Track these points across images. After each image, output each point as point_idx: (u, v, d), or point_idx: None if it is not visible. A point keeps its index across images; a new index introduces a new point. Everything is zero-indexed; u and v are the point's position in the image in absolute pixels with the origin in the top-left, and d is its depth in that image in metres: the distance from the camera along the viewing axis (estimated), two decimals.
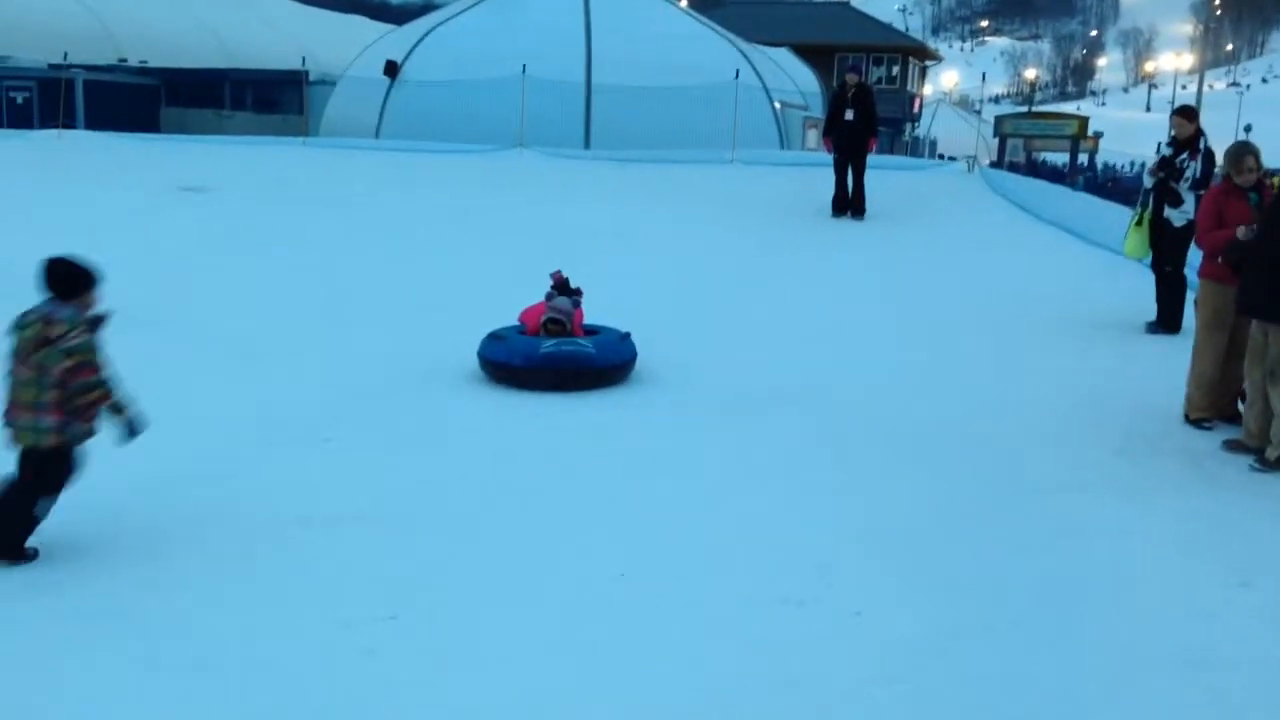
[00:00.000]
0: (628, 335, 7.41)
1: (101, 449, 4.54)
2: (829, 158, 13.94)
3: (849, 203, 13.64)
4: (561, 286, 7.83)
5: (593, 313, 7.81)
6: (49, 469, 4.35)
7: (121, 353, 4.61)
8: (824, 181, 13.99)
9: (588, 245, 11.56)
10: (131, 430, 4.45)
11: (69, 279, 4.39)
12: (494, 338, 7.23)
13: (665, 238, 12.29)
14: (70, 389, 4.26)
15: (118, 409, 4.40)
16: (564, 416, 6.59)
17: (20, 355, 4.28)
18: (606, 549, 4.78)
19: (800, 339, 8.49)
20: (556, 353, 7.01)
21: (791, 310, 9.45)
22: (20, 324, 4.31)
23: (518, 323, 7.52)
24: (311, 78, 25.83)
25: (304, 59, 25.43)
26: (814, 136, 23.09)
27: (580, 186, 15.85)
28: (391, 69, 22.87)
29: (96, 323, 4.37)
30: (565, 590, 4.40)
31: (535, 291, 7.86)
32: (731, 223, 13.24)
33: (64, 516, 4.49)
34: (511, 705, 3.58)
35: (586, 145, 21.04)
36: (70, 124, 23.26)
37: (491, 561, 4.65)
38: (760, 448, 6.12)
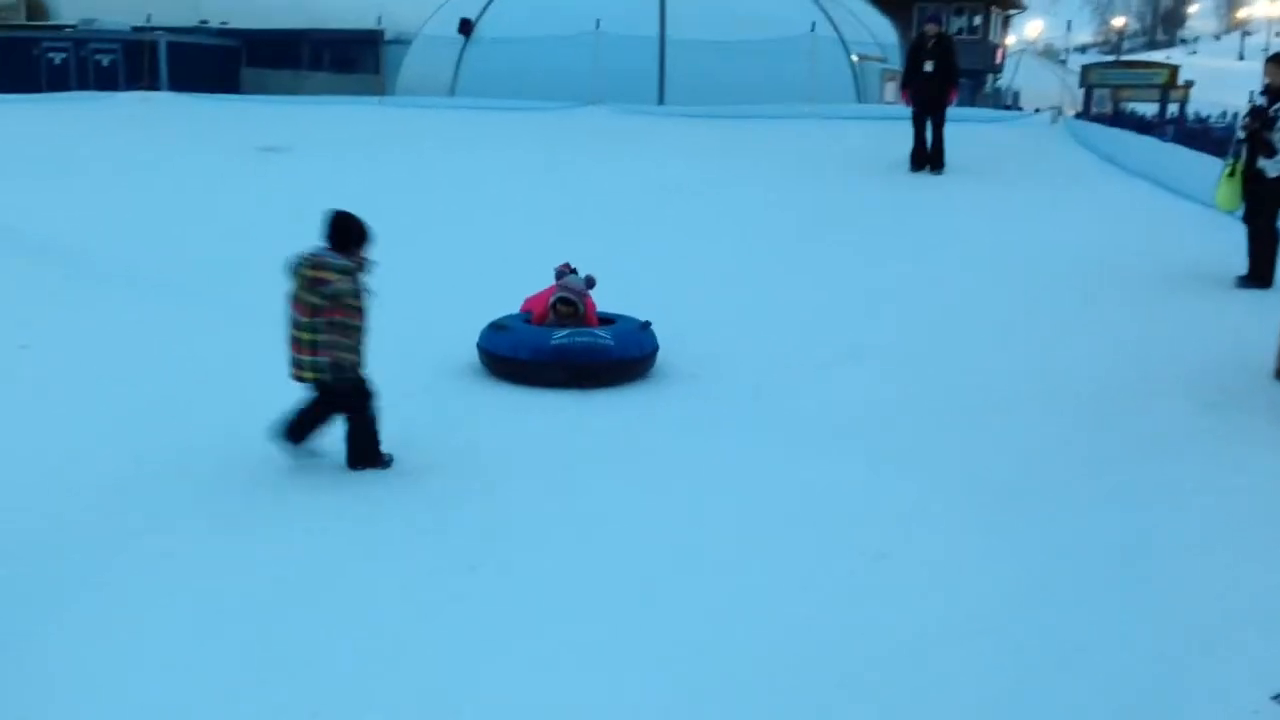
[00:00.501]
0: (648, 324, 6.62)
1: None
2: (907, 111, 13.67)
3: (928, 157, 13.38)
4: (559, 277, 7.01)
5: (657, 273, 7.68)
6: (340, 400, 4.86)
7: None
8: (902, 136, 13.73)
9: (654, 201, 11.53)
10: None
11: (343, 230, 4.83)
12: (496, 327, 6.50)
13: (734, 195, 12.16)
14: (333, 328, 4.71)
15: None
16: (610, 401, 6.51)
17: (295, 295, 4.74)
18: (681, 507, 4.80)
19: (874, 294, 8.37)
20: (570, 345, 6.28)
21: (865, 266, 9.32)
22: (295, 266, 4.76)
23: (520, 312, 6.89)
24: (388, 37, 25.94)
25: (379, 18, 25.53)
26: (892, 89, 22.65)
27: (651, 144, 15.75)
28: (466, 27, 22.89)
29: (358, 270, 4.79)
30: (644, 545, 4.43)
31: (599, 251, 7.75)
32: (805, 178, 13.07)
33: None
34: (596, 653, 3.62)
35: (660, 101, 20.89)
36: (154, 85, 23.69)
37: (570, 527, 4.69)
38: (837, 408, 6.08)
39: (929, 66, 13.07)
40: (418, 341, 6.75)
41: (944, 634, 3.78)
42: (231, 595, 3.96)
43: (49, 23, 29.19)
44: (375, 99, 21.50)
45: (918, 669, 3.57)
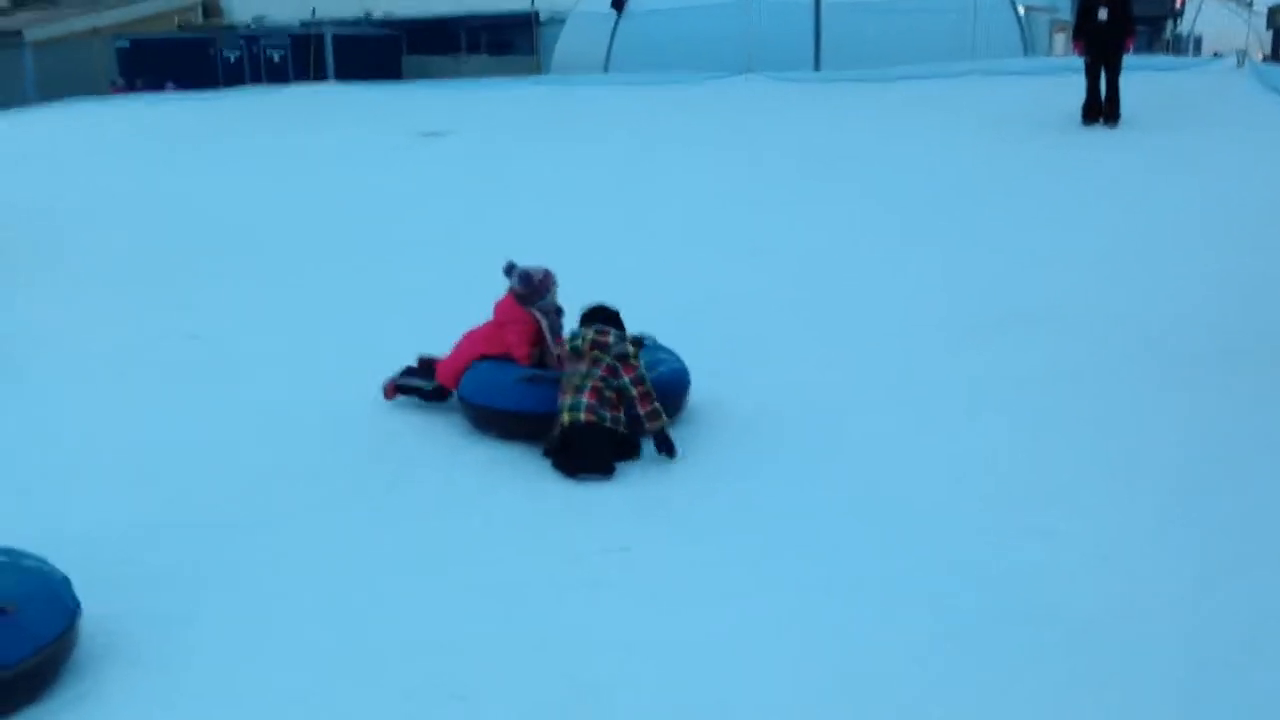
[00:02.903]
0: (678, 363, 5.42)
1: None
2: (1078, 63, 12.97)
3: (1102, 109, 12.68)
4: (529, 295, 5.41)
5: (826, 243, 7.46)
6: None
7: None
8: (1073, 89, 13.05)
9: (799, 177, 11.26)
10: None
11: (612, 319, 5.11)
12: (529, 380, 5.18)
13: (886, 161, 11.78)
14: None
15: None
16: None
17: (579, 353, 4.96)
18: (842, 482, 4.65)
19: (1044, 255, 7.95)
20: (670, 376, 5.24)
21: (1036, 220, 8.87)
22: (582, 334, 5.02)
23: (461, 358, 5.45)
24: (542, 17, 26.16)
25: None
26: (1062, 41, 21.60)
27: (807, 111, 15.42)
28: (619, 3, 22.89)
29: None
30: (796, 525, 4.29)
31: (754, 224, 7.55)
32: (968, 138, 12.56)
33: None
34: (749, 638, 3.52)
35: (816, 67, 20.44)
36: (321, 77, 24.54)
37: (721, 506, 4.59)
38: (999, 373, 5.80)
39: (1103, 14, 12.37)
40: None
41: (1108, 612, 3.54)
42: (375, 574, 4.01)
43: (223, 23, 30.59)
44: (531, 79, 21.73)
45: (1094, 650, 3.36)
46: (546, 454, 4.90)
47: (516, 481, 4.78)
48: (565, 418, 4.84)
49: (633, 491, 4.64)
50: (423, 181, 12.41)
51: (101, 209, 11.43)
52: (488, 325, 5.49)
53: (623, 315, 5.21)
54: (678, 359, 5.46)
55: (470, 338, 5.48)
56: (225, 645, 3.59)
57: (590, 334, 5.02)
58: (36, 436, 5.46)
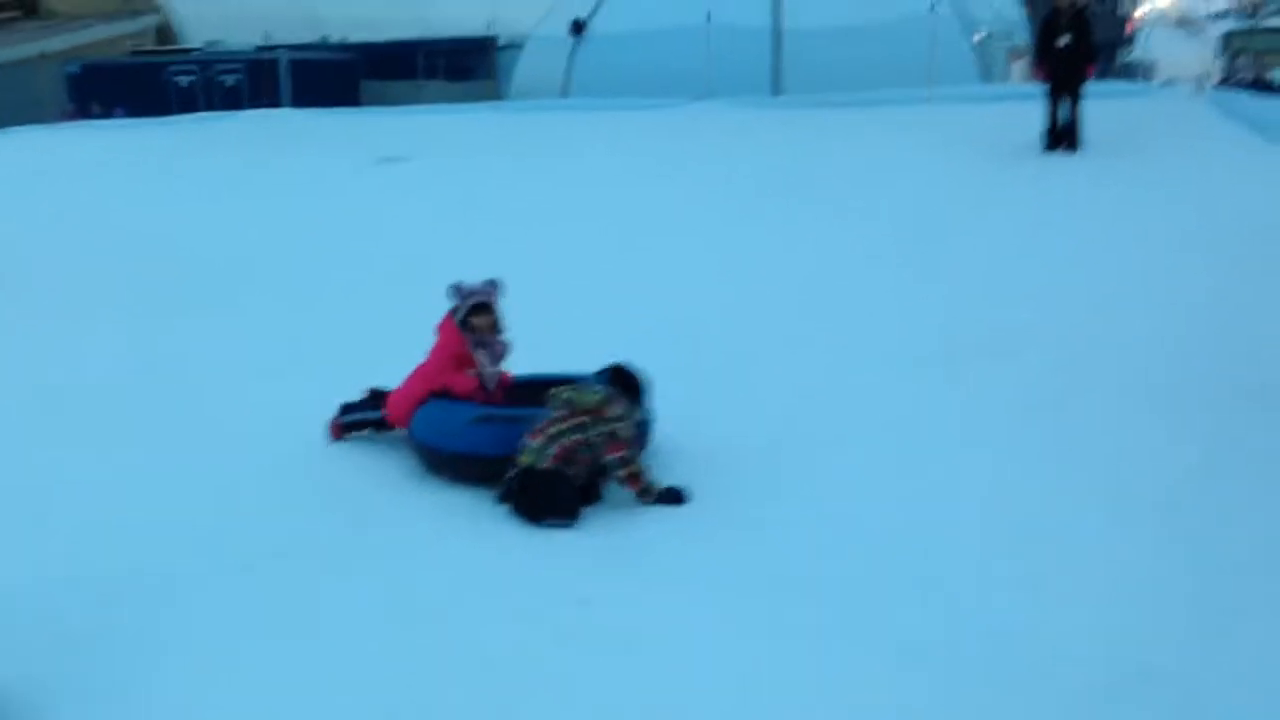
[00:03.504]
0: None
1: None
2: (1034, 91, 12.97)
3: (1062, 136, 12.67)
4: (457, 308, 5.20)
5: (789, 273, 7.35)
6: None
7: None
8: (1030, 116, 13.03)
9: (760, 202, 11.12)
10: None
11: (632, 387, 4.81)
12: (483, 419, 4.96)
13: (847, 187, 11.67)
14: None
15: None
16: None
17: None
18: (814, 522, 4.45)
19: (1013, 282, 7.84)
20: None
21: (1003, 247, 8.77)
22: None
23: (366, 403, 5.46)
24: (501, 42, 25.97)
25: (489, 24, 25.58)
26: (1019, 69, 21.73)
27: (762, 137, 15.32)
28: (578, 27, 22.79)
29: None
30: (768, 570, 4.09)
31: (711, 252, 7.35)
32: (930, 163, 12.49)
33: None
34: (724, 696, 3.30)
35: (775, 92, 20.41)
36: (276, 103, 24.17)
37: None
38: (968, 403, 5.64)
39: (1064, 40, 12.38)
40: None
41: (1106, 686, 3.36)
42: (326, 634, 3.75)
43: (177, 47, 30.12)
44: (489, 104, 21.53)
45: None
46: (504, 499, 4.64)
47: (473, 526, 4.55)
48: (525, 458, 4.58)
49: (595, 539, 4.42)
50: (380, 208, 12.15)
51: (48, 240, 11.07)
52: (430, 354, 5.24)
53: (582, 340, 4.92)
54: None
55: (418, 370, 5.23)
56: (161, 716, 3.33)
57: (597, 397, 4.64)
58: None
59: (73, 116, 24.82)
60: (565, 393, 4.70)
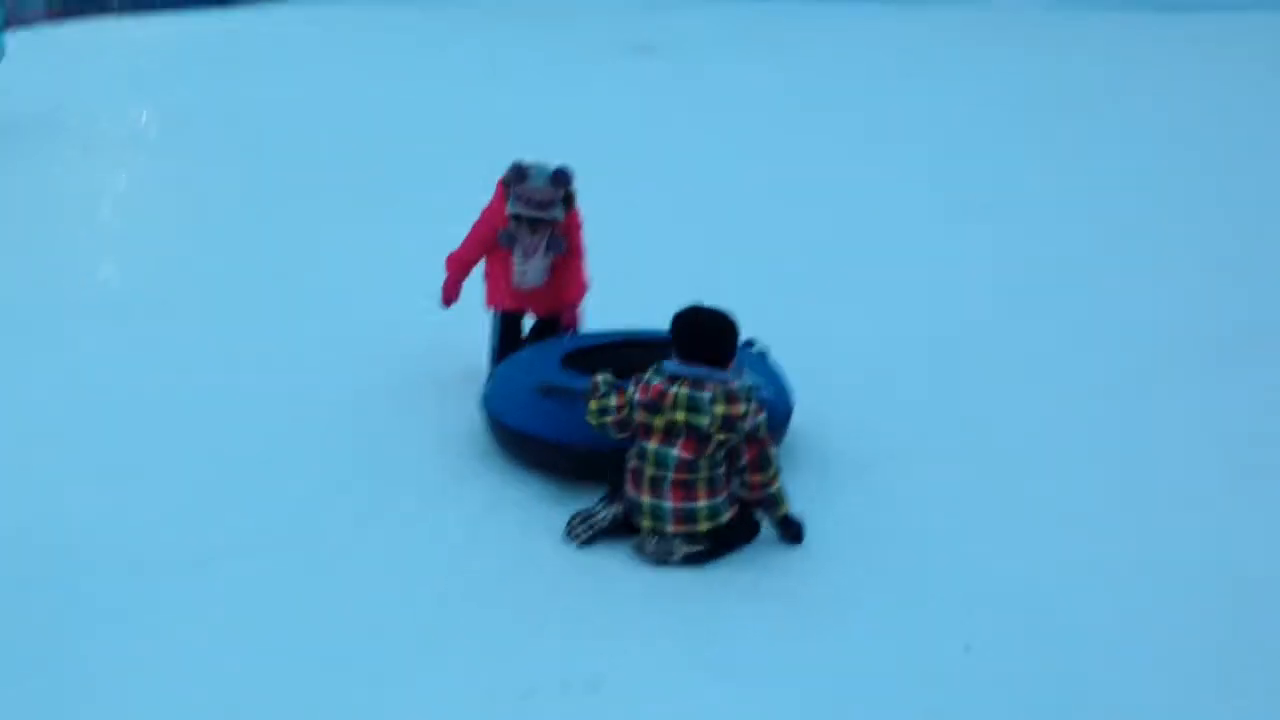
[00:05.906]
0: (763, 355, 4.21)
1: None
2: None
3: None
4: (511, 179, 4.44)
5: None
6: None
7: None
8: None
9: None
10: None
11: (718, 338, 3.52)
12: (546, 390, 3.84)
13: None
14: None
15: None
16: None
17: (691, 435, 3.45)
18: (893, 570, 3.36)
19: None
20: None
21: None
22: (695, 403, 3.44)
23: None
24: None
25: None
26: None
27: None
28: None
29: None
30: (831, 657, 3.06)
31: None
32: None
33: None
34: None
35: None
36: None
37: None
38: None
39: None
40: None
41: None
42: (298, 669, 3.03)
43: None
44: None
45: None
46: (579, 538, 3.57)
47: (511, 541, 3.66)
48: (703, 526, 3.45)
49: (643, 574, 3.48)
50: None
51: (304, 114, 11.09)
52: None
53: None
54: (777, 380, 4.08)
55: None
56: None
57: (720, 409, 3.37)
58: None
59: None
60: (680, 414, 3.41)
